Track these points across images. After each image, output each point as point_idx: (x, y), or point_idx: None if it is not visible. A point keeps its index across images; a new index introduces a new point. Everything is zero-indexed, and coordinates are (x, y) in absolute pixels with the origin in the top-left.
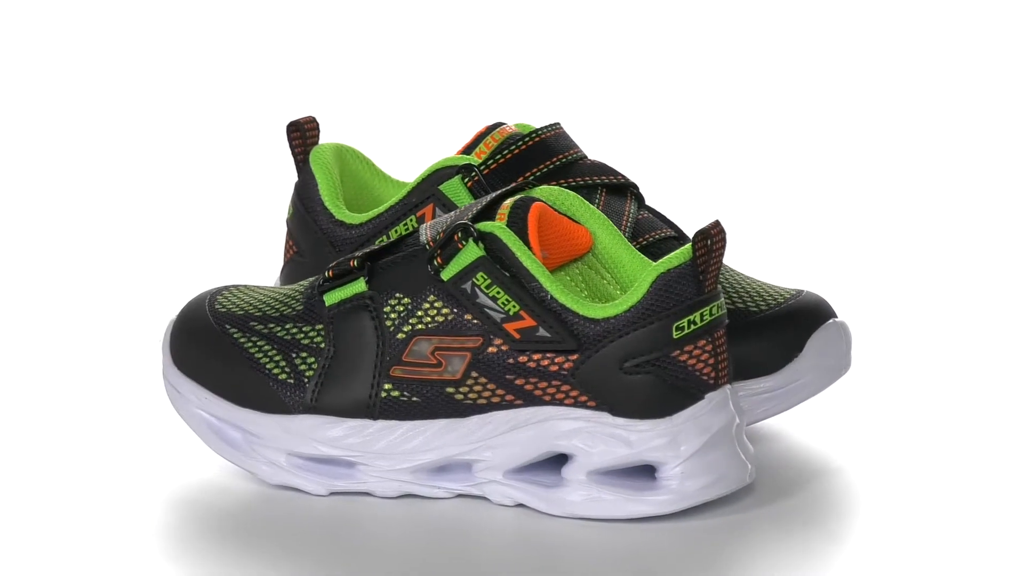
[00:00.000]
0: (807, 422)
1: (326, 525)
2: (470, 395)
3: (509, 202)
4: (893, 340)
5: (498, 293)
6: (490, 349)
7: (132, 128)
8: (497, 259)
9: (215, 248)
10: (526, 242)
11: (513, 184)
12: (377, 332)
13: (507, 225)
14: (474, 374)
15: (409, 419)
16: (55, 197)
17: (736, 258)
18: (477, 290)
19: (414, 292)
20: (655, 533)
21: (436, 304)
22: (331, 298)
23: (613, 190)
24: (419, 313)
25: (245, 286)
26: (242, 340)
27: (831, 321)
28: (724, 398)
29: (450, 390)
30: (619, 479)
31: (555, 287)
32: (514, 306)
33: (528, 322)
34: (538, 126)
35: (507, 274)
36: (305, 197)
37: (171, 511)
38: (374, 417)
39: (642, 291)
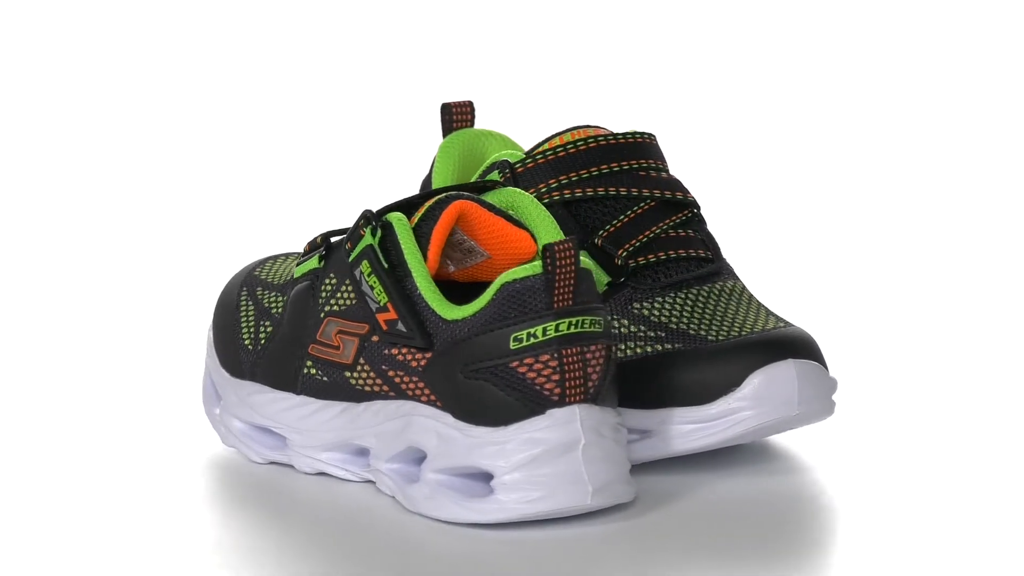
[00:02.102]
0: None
1: (255, 489)
2: (359, 381)
3: (435, 199)
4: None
5: (374, 283)
6: (373, 337)
7: (170, 127)
8: (385, 249)
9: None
10: (426, 238)
11: (479, 182)
12: (311, 309)
13: (421, 220)
14: (361, 360)
15: (321, 398)
16: (93, 196)
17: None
18: (362, 277)
19: (340, 274)
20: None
21: (347, 288)
22: (297, 271)
23: (667, 205)
24: (338, 295)
25: (297, 254)
26: (241, 304)
27: (784, 362)
28: (571, 416)
29: (347, 374)
30: (462, 482)
31: (424, 283)
32: (384, 297)
33: (392, 315)
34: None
35: (385, 265)
36: (425, 182)
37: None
38: (296, 392)
39: (487, 298)
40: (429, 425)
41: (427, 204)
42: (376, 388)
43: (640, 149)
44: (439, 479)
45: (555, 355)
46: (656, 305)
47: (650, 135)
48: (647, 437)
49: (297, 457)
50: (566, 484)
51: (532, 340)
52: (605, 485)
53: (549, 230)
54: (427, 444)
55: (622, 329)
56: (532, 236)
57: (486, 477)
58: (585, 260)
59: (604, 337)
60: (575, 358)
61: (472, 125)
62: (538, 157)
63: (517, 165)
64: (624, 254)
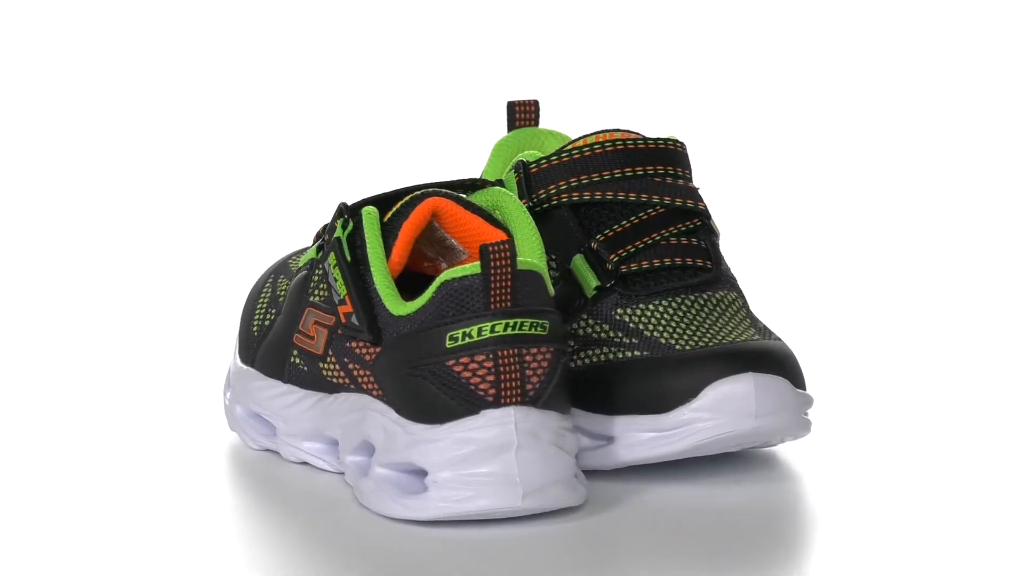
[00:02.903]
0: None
1: (240, 475)
2: (329, 372)
3: (412, 195)
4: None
5: (337, 275)
6: (339, 330)
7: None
8: (353, 242)
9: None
10: (394, 233)
11: (468, 180)
12: (304, 299)
13: (393, 216)
14: (330, 352)
15: (303, 388)
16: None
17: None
18: (329, 269)
19: (327, 265)
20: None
21: (323, 279)
22: (301, 260)
23: (675, 213)
24: (322, 285)
25: None
26: (264, 292)
27: (744, 374)
28: (504, 418)
29: (320, 365)
30: (404, 478)
31: (380, 278)
32: (343, 290)
33: (349, 307)
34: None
35: (348, 259)
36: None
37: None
38: (283, 380)
39: (428, 296)
40: (378, 420)
41: (404, 200)
42: (341, 380)
43: (661, 155)
44: (384, 474)
45: (490, 356)
46: (638, 312)
47: (678, 143)
48: (610, 443)
49: (283, 445)
50: (496, 485)
51: (467, 340)
52: (539, 488)
53: (527, 232)
54: (376, 438)
55: (601, 334)
56: (509, 236)
57: (423, 474)
58: (578, 263)
59: (550, 341)
60: (512, 360)
61: (535, 124)
62: (553, 159)
63: (532, 166)
64: (616, 259)
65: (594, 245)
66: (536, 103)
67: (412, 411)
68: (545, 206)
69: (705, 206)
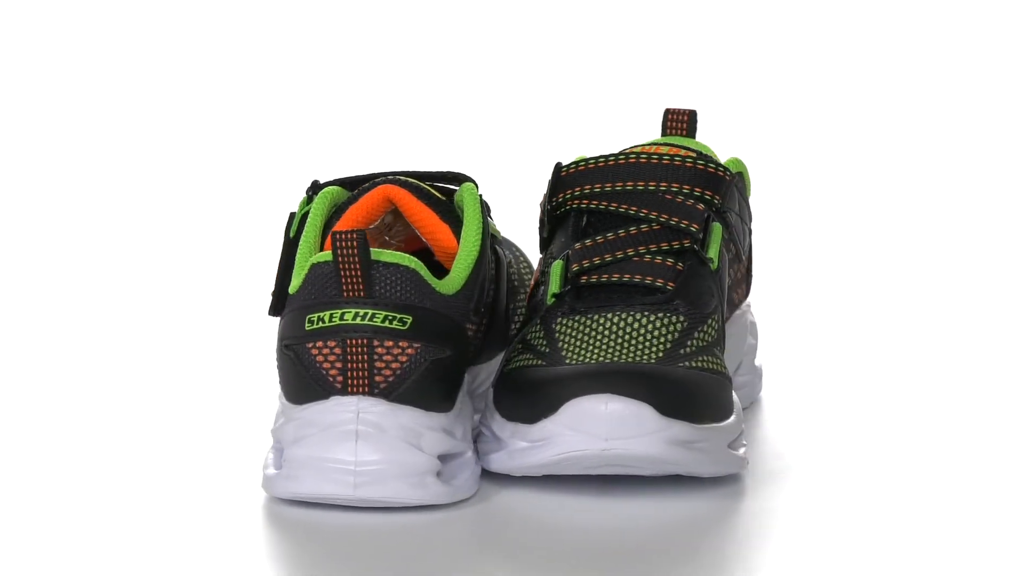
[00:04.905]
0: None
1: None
2: None
3: (374, 181)
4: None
5: (283, 248)
6: None
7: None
8: (304, 218)
9: None
10: (337, 212)
11: (450, 172)
12: None
13: (350, 198)
14: None
15: None
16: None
17: None
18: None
19: None
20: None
21: None
22: None
23: (667, 231)
24: None
25: None
26: None
27: (601, 395)
28: (349, 406)
29: None
30: (278, 454)
31: (300, 255)
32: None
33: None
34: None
35: (291, 233)
36: None
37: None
38: None
39: (301, 276)
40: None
41: (366, 184)
42: None
43: (686, 174)
44: (273, 449)
45: (340, 343)
46: (569, 323)
47: (725, 169)
48: (501, 448)
49: None
50: (331, 471)
51: (321, 324)
52: (377, 480)
53: (469, 232)
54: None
55: (534, 341)
56: (454, 233)
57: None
58: (554, 269)
59: (412, 337)
60: (360, 350)
61: (685, 133)
62: (580, 164)
63: (563, 169)
64: (577, 269)
65: (569, 253)
66: (690, 112)
67: (284, 388)
68: (561, 210)
69: (697, 229)
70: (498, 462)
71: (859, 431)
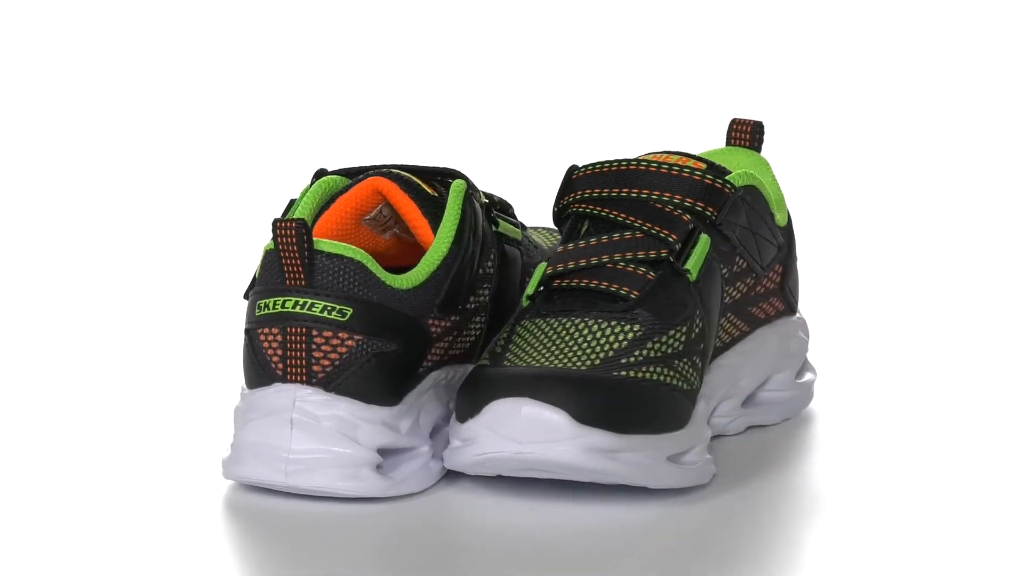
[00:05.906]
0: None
1: None
2: None
3: (368, 173)
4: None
5: None
6: None
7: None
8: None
9: None
10: (327, 201)
11: (448, 168)
12: None
13: (344, 188)
14: None
15: None
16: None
17: None
18: None
19: None
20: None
21: None
22: None
23: (649, 239)
24: None
25: None
26: None
27: (517, 398)
28: (287, 393)
29: None
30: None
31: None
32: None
33: None
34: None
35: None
36: None
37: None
38: None
39: (261, 263)
40: None
41: (361, 175)
42: None
43: (683, 184)
44: None
45: (281, 331)
46: (529, 326)
47: (731, 185)
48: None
49: None
50: (265, 457)
51: (266, 311)
52: (308, 468)
53: (444, 229)
54: None
55: (498, 342)
56: (433, 229)
57: None
58: (537, 272)
59: (353, 329)
60: (299, 338)
61: (749, 145)
62: (588, 169)
63: (574, 172)
64: (551, 272)
65: (551, 256)
66: (754, 124)
67: (245, 372)
68: (566, 213)
69: (675, 241)
70: (445, 459)
71: (892, 451)
